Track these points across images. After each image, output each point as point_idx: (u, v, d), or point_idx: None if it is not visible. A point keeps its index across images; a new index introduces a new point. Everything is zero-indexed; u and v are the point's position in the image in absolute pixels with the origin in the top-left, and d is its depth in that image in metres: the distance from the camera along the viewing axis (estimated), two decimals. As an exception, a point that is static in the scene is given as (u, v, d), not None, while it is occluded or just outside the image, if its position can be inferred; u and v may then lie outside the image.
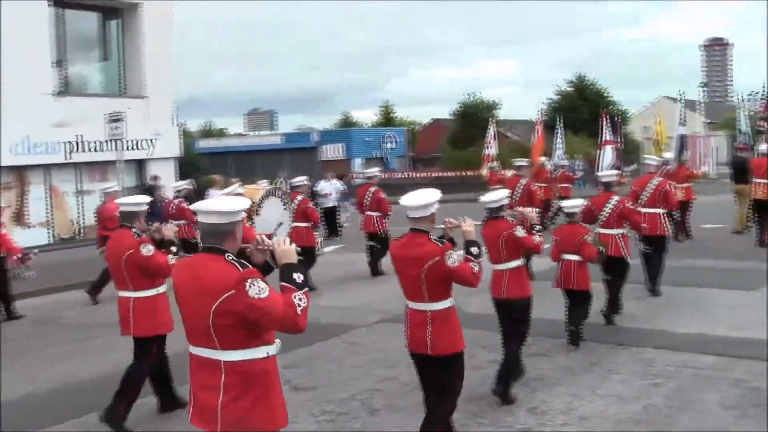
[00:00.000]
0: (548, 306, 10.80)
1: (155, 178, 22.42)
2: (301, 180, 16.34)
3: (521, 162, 17.74)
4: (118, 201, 8.96)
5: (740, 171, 20.17)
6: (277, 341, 4.82)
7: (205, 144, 60.61)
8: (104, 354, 11.14)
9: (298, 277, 4.63)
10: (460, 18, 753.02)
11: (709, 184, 34.60)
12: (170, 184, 20.89)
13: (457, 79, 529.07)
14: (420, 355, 6.69)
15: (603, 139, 24.84)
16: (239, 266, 4.54)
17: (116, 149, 19.73)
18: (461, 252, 6.63)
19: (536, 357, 9.65)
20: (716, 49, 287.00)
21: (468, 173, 44.82)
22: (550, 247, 10.50)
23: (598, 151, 24.84)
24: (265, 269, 4.89)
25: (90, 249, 20.09)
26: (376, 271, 16.78)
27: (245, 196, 12.05)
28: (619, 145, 25.89)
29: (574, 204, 10.69)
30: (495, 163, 26.41)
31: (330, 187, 23.18)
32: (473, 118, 58.97)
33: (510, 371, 8.39)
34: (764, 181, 18.18)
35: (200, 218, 4.78)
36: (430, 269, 6.37)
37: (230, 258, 4.61)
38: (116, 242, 8.20)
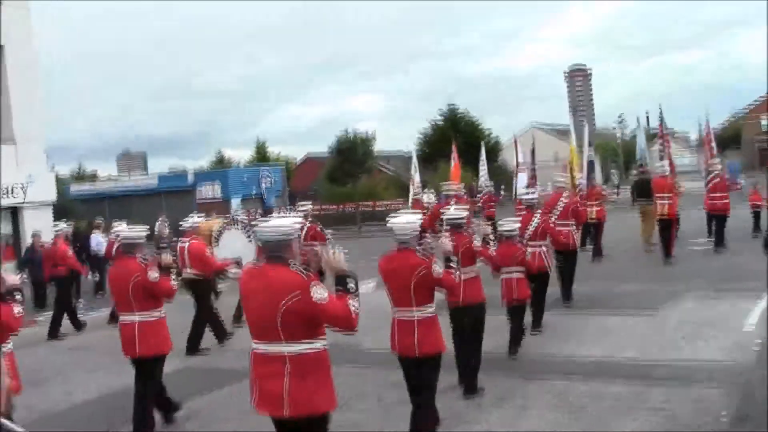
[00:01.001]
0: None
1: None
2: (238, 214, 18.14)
3: (449, 189, 19.45)
4: (117, 230, 9.72)
5: (644, 190, 21.33)
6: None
7: (77, 188, 58.79)
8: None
9: (351, 284, 5.68)
10: (318, 52, 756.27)
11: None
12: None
13: (325, 115, 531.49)
14: (408, 358, 7.56)
15: (516, 163, 26.53)
16: (303, 273, 5.49)
17: (-10, 197, 18.86)
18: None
19: (446, 392, 9.10)
20: (579, 78, 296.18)
21: (348, 208, 44.74)
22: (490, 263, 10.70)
23: (514, 178, 26.33)
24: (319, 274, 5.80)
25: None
26: None
27: (203, 227, 14.07)
28: (534, 169, 27.47)
29: (513, 224, 11.53)
30: (419, 190, 27.13)
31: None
32: (350, 154, 59.01)
33: (476, 370, 9.54)
34: (667, 199, 18.92)
35: (261, 236, 5.80)
36: (419, 279, 7.36)
37: (294, 266, 5.56)
38: (121, 269, 8.98)
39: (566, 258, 14.81)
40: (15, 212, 24.27)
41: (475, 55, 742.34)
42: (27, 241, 22.13)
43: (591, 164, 22.16)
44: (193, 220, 13.92)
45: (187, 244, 13.45)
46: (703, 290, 14.69)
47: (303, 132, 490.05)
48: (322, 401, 5.57)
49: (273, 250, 5.69)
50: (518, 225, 11.75)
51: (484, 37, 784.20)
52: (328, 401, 5.63)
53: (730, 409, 8.18)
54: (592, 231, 20.86)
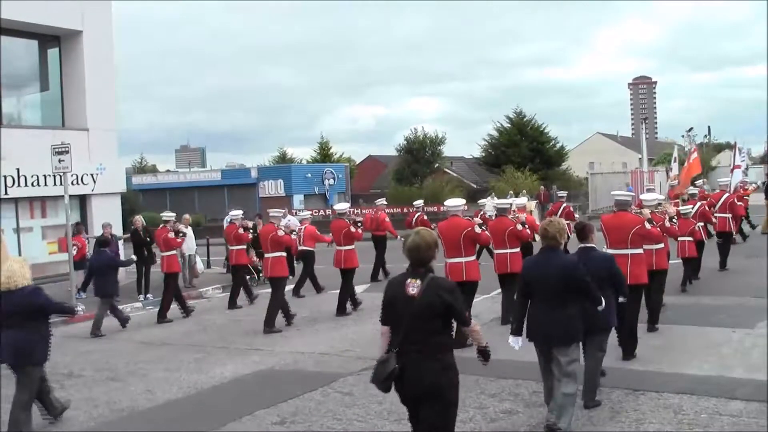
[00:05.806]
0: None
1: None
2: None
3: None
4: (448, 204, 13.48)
5: None
6: None
7: (138, 180, 58.90)
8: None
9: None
10: (382, 54, 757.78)
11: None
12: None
13: (383, 117, 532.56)
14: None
15: (733, 164, 29.11)
16: (640, 215, 11.34)
17: (62, 183, 18.45)
18: None
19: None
20: (643, 87, 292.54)
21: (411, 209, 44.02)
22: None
23: (730, 174, 27.91)
24: None
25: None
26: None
27: (528, 206, 19.44)
28: (747, 167, 32.36)
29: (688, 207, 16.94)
30: (675, 181, 29.99)
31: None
32: (418, 154, 58.59)
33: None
34: None
35: (616, 198, 11.71)
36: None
37: (633, 212, 11.50)
38: (452, 224, 12.78)
39: (724, 239, 20.17)
40: (83, 201, 23.92)
41: (531, 64, 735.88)
42: (94, 230, 21.89)
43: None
44: (523, 199, 21.60)
45: (523, 216, 16.57)
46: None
47: (360, 132, 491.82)
48: (643, 275, 11.10)
49: (621, 205, 11.36)
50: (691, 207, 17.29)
51: (542, 47, 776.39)
52: (644, 276, 11.09)
53: None
54: None
